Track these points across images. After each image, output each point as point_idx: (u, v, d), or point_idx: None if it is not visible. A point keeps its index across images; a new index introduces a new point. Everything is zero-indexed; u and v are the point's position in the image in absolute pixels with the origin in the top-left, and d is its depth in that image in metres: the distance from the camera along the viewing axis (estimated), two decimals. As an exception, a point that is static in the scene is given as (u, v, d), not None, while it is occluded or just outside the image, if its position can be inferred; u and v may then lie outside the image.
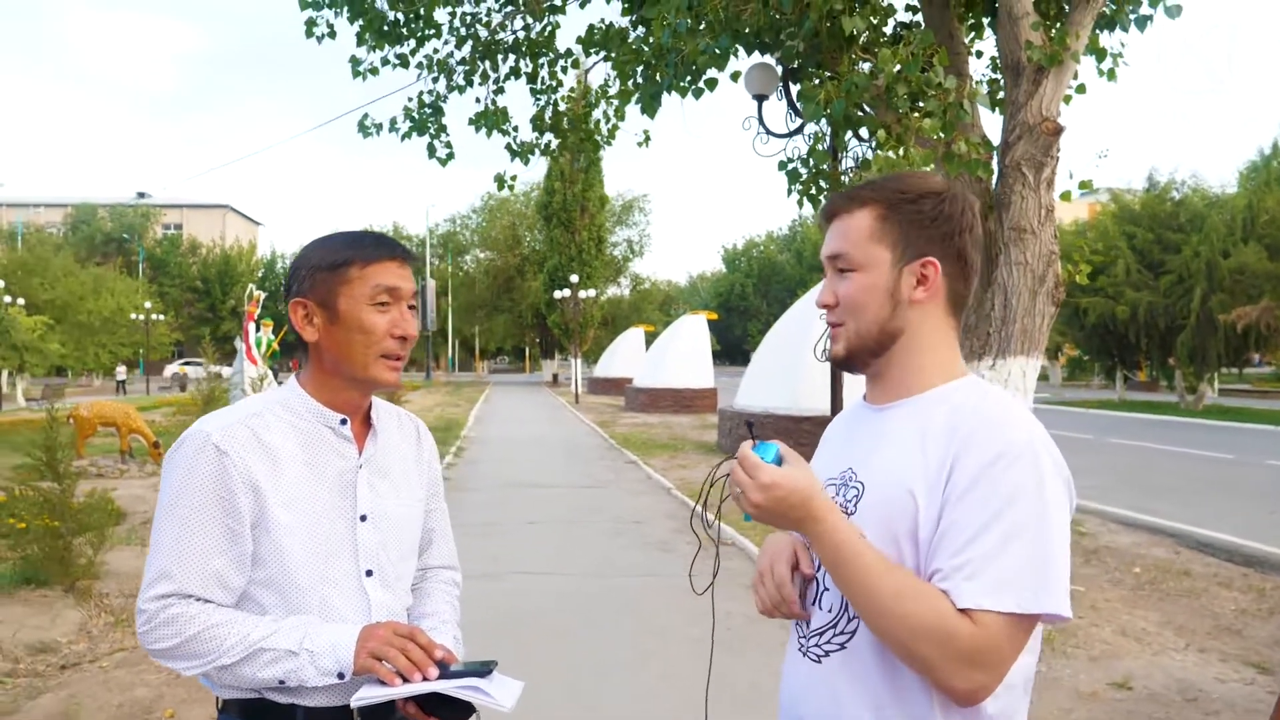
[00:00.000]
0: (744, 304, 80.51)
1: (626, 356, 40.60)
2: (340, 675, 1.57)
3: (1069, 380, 48.85)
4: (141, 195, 55.53)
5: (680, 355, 29.49)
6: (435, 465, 1.98)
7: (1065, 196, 5.87)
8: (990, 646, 1.25)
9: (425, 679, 1.56)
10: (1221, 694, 4.97)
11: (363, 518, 1.71)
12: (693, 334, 30.41)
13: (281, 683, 1.57)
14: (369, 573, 1.71)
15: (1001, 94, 6.37)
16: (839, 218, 1.52)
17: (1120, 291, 29.55)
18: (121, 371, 43.24)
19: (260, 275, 64.24)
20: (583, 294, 41.21)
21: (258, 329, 15.86)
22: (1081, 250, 6.40)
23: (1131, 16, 6.23)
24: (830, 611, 1.45)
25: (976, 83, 7.06)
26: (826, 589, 1.46)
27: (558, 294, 43.03)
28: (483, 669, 1.61)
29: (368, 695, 1.55)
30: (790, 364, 15.53)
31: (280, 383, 1.81)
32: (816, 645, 1.46)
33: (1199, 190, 31.84)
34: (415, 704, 1.59)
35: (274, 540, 1.62)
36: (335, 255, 1.69)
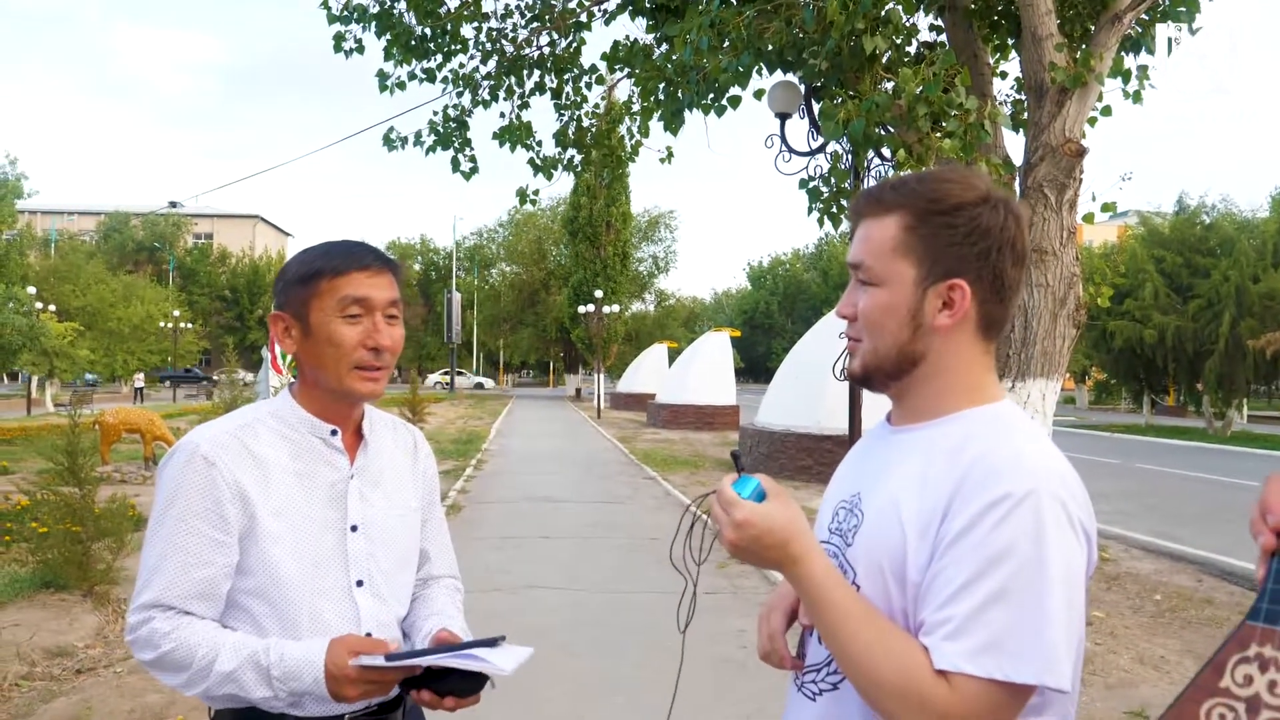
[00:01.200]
0: (769, 322, 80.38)
1: (650, 372, 40.61)
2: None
3: (1096, 404, 48.41)
4: (173, 204, 56.02)
5: (703, 372, 29.46)
6: (432, 475, 1.96)
7: (1088, 218, 5.83)
8: (966, 714, 1.13)
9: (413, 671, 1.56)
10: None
11: (353, 528, 1.71)
12: (716, 351, 30.39)
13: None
14: (359, 583, 1.70)
15: (1025, 114, 6.35)
16: (865, 220, 1.38)
17: (1148, 315, 29.30)
18: (139, 379, 43.58)
19: (288, 285, 64.78)
20: (607, 309, 41.24)
21: (283, 339, 15.98)
22: (1103, 273, 6.33)
23: (1156, 39, 6.20)
24: (826, 649, 1.38)
25: (1000, 103, 7.04)
26: None
27: (582, 309, 43.09)
28: (490, 641, 1.59)
29: (367, 660, 1.54)
30: (812, 383, 15.47)
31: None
32: (812, 683, 1.41)
33: (1229, 214, 31.56)
34: (427, 688, 1.59)
35: (262, 550, 1.62)
36: (307, 268, 1.69)
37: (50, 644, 5.82)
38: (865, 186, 7.21)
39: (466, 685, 1.60)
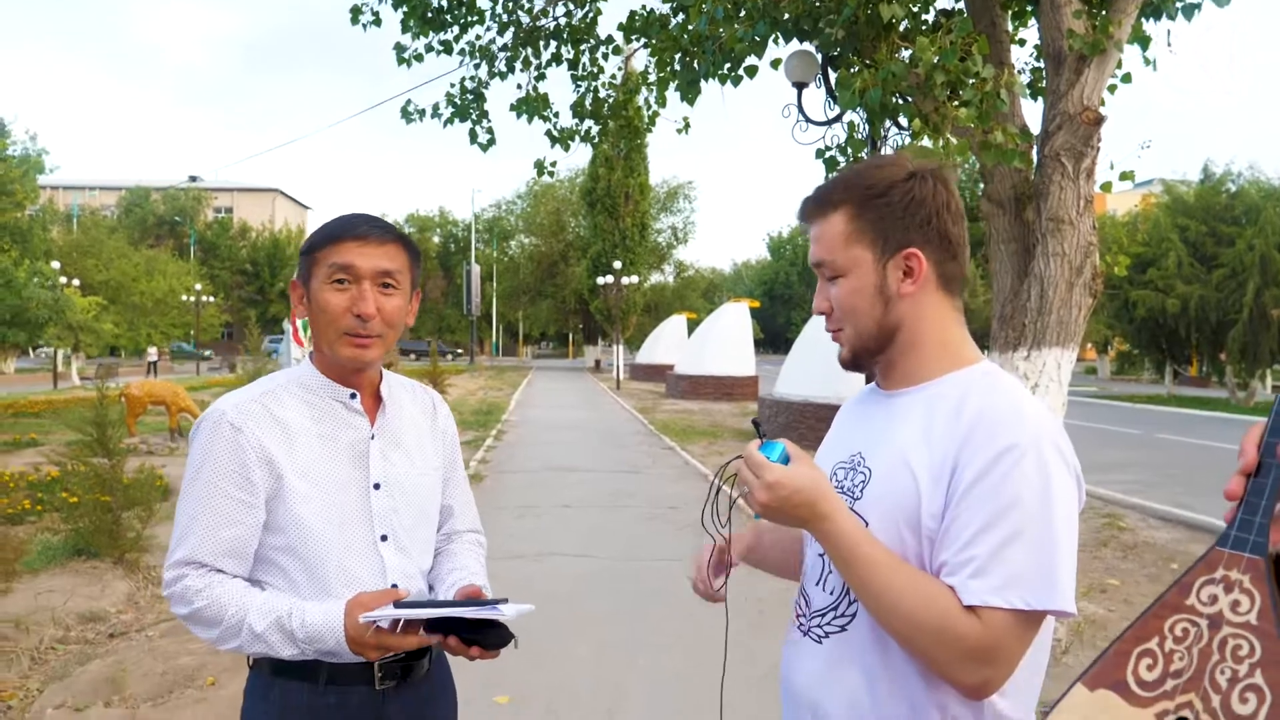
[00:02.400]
0: (788, 292, 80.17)
1: (669, 343, 40.61)
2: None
3: (1118, 374, 48.09)
4: (193, 179, 56.33)
5: (722, 343, 29.47)
6: (452, 435, 2.05)
7: (1106, 187, 5.81)
8: (998, 643, 1.25)
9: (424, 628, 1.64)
10: None
11: (376, 485, 1.80)
12: (735, 322, 30.37)
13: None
14: (384, 537, 1.79)
15: (1044, 82, 6.31)
16: (815, 223, 1.51)
17: (1171, 285, 29.04)
18: (153, 353, 43.72)
19: (308, 259, 64.93)
20: (626, 280, 41.22)
21: (305, 311, 16.10)
22: (1120, 242, 6.32)
23: (1178, 5, 6.15)
24: (832, 594, 1.48)
25: (1019, 71, 7.00)
26: (831, 572, 1.48)
27: (601, 280, 43.10)
28: (494, 603, 1.64)
29: (378, 615, 1.61)
30: (830, 353, 15.08)
31: None
32: (818, 626, 1.49)
33: (1255, 182, 31.12)
34: (454, 636, 1.68)
35: (291, 508, 1.71)
36: (312, 239, 1.78)
37: (84, 609, 5.97)
38: (878, 152, 7.21)
39: (491, 639, 1.68)
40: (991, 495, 1.28)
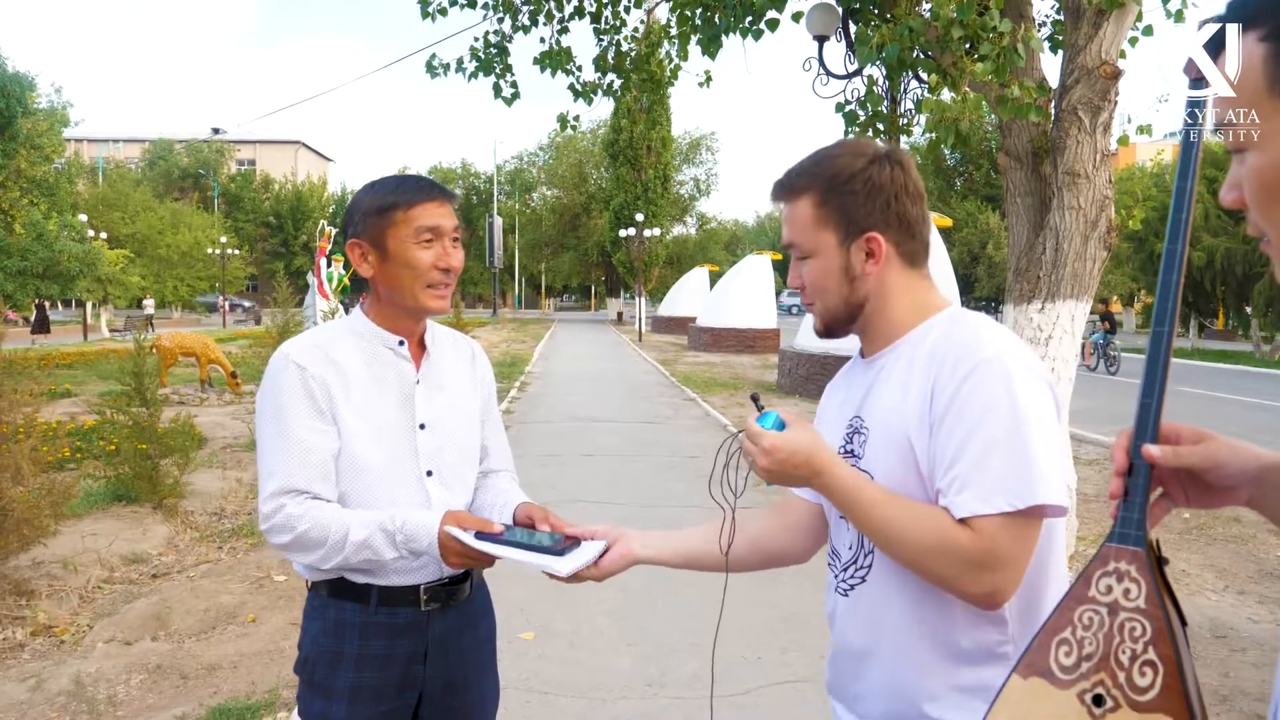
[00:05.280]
0: (811, 245, 79.54)
1: (691, 296, 40.61)
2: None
3: (1143, 328, 47.74)
4: (216, 131, 56.42)
5: (744, 295, 29.47)
6: (489, 382, 2.23)
7: (1123, 141, 5.85)
8: (994, 549, 1.34)
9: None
10: (1252, 633, 5.08)
11: (421, 426, 1.97)
12: (757, 274, 30.33)
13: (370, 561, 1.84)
14: (429, 473, 1.97)
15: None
16: (786, 204, 1.63)
17: (1197, 237, 28.74)
18: (149, 305, 43.19)
19: (331, 211, 65.09)
20: (648, 233, 41.19)
21: (329, 264, 16.30)
22: (1134, 194, 6.36)
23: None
24: (851, 549, 1.61)
25: (1039, 25, 7.01)
26: (848, 529, 1.61)
27: (623, 232, 43.04)
28: (559, 549, 1.83)
29: (460, 535, 1.81)
30: None
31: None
32: (844, 580, 1.63)
33: (1287, 131, 30.54)
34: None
35: (346, 443, 1.88)
36: (382, 200, 1.92)
37: (126, 551, 6.23)
38: (901, 109, 7.26)
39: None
40: (963, 414, 1.39)
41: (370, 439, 1.90)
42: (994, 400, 1.38)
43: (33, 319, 34.66)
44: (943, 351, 1.47)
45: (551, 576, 1.80)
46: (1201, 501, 1.21)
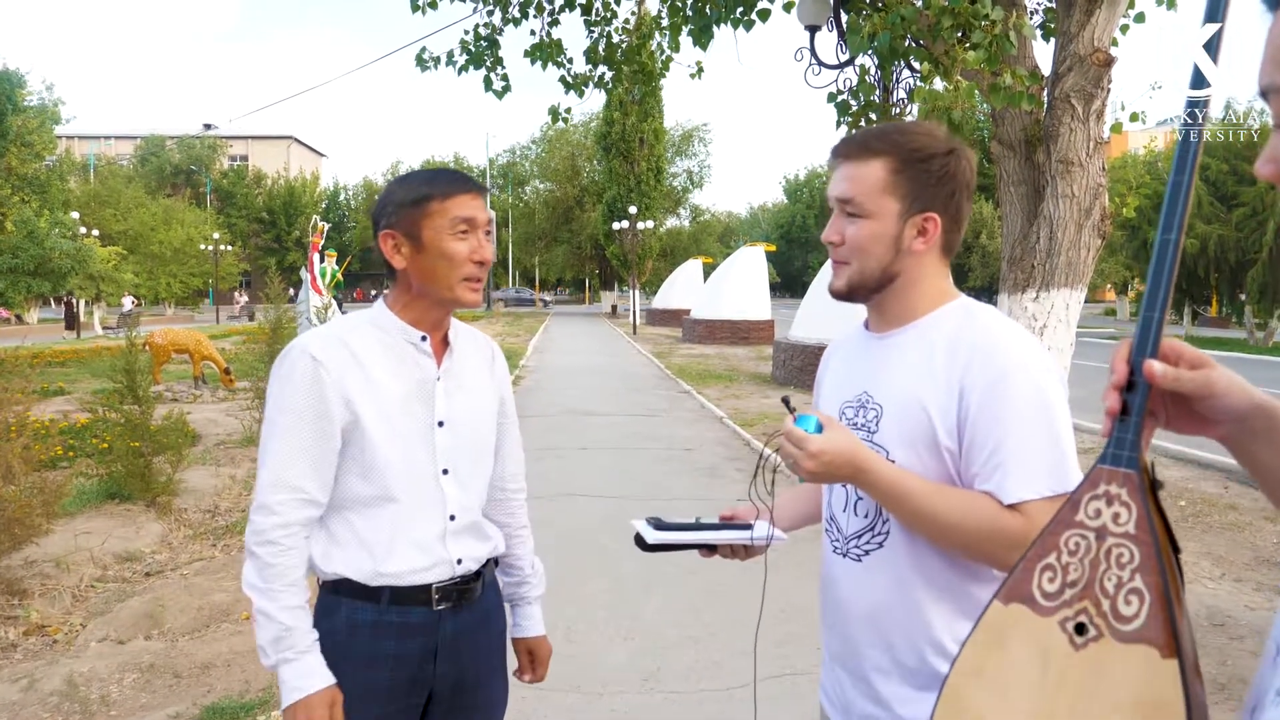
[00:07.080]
0: (805, 235, 79.73)
1: (685, 288, 40.61)
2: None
3: (1137, 315, 47.78)
4: (208, 127, 56.19)
5: (738, 287, 29.46)
6: (506, 383, 2.21)
7: (1116, 129, 5.84)
8: (1036, 528, 1.40)
9: None
10: (1250, 620, 5.08)
11: (440, 423, 1.96)
12: (751, 266, 30.31)
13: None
14: (445, 471, 1.96)
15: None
16: (850, 162, 1.65)
17: (1191, 224, 28.76)
18: (128, 303, 42.46)
19: (324, 206, 64.95)
20: (641, 225, 41.13)
21: (322, 259, 16.25)
22: (1128, 183, 6.35)
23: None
24: (866, 517, 1.67)
25: (1031, 12, 6.98)
26: (860, 498, 1.67)
27: (616, 225, 42.99)
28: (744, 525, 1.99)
29: (642, 527, 1.94)
30: None
31: (344, 312, 2.05)
32: (856, 547, 1.69)
33: (1279, 119, 30.58)
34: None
35: (365, 436, 1.87)
36: (417, 192, 1.90)
37: (120, 549, 6.20)
38: (894, 99, 7.23)
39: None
40: (1003, 411, 1.52)
41: (388, 433, 1.89)
42: (1029, 398, 1.53)
43: (63, 316, 35.04)
44: (967, 346, 1.58)
45: (745, 552, 2.03)
46: (1178, 426, 1.15)
